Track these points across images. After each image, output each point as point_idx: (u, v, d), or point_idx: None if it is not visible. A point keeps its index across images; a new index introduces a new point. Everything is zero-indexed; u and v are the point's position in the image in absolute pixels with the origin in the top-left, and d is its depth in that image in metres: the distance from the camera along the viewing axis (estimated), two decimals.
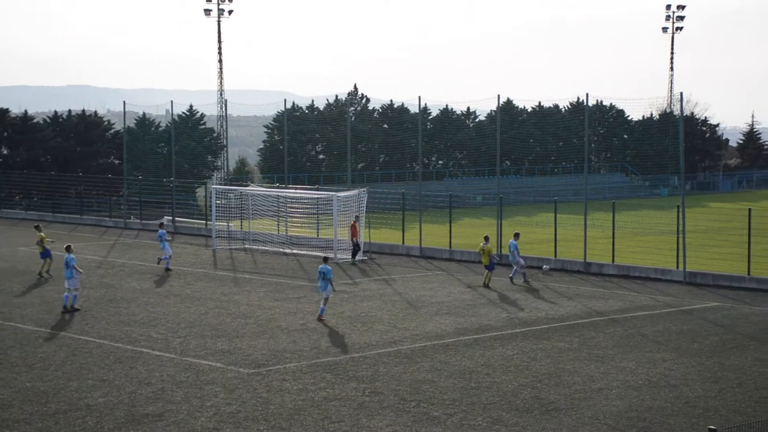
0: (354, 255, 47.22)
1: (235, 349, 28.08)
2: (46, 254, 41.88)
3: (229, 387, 24.11)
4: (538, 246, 48.56)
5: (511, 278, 40.06)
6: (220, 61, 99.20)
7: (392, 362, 26.66)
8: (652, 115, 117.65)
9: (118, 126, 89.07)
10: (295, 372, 25.59)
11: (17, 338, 29.74)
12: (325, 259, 33.49)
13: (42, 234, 42.83)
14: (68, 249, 34.78)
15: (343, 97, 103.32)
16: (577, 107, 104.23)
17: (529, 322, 32.50)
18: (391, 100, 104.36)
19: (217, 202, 55.35)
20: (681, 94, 49.80)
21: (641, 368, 26.04)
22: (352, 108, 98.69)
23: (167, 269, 43.38)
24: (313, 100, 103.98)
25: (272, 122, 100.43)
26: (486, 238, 40.28)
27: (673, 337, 30.03)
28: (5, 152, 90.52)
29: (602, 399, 23.06)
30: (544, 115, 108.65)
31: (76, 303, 34.13)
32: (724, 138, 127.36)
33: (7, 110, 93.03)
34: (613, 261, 43.61)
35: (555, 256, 45.42)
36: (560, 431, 20.71)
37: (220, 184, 65.25)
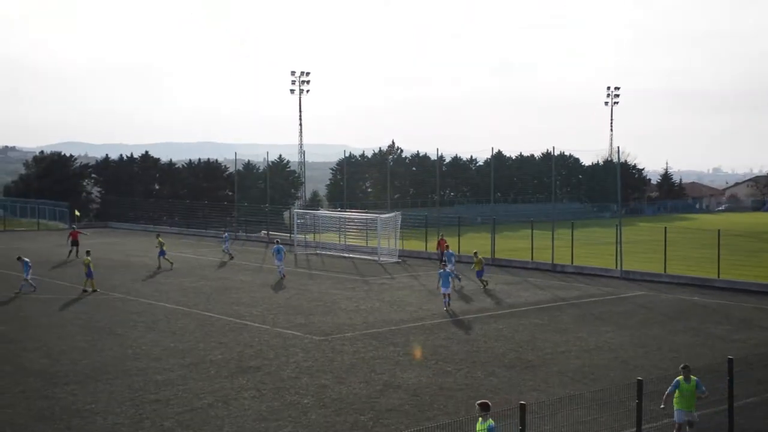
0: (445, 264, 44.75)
1: (309, 323, 28.12)
2: (162, 254, 43.70)
3: (305, 349, 24.14)
4: (520, 252, 48.26)
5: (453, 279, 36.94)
6: (300, 124, 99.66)
7: (418, 333, 26.60)
8: (598, 161, 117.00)
9: (231, 169, 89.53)
10: (351, 339, 25.58)
11: (164, 313, 29.96)
12: (444, 265, 33.01)
13: (161, 239, 44.58)
14: (277, 242, 41.27)
15: (384, 148, 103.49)
16: (547, 156, 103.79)
17: (513, 305, 32.31)
18: (418, 151, 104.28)
19: (298, 221, 55.52)
20: (618, 147, 49.77)
21: (591, 337, 25.82)
22: (391, 156, 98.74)
23: (283, 277, 39.42)
24: (363, 151, 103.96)
25: (336, 166, 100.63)
26: (475, 254, 37.88)
27: (613, 316, 29.75)
28: (156, 187, 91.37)
29: (564, 359, 22.88)
30: (523, 161, 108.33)
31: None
32: (647, 178, 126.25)
33: (158, 159, 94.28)
34: (572, 262, 43.29)
35: (531, 259, 45.13)
36: (535, 381, 20.57)
37: (300, 209, 65.29)
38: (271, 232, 63.50)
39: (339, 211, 62.22)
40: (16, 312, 30.46)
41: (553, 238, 44.05)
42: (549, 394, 19.13)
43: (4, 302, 32.60)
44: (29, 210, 77.63)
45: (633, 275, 40.32)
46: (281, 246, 40.97)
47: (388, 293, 35.16)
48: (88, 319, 28.76)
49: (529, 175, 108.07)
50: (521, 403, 12.59)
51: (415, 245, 52.64)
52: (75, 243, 48.44)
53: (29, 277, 34.77)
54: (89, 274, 34.87)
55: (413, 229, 57.62)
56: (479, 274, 36.90)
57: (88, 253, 35.89)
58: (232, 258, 47.73)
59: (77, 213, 72.26)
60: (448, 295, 30.83)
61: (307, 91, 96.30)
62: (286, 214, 79.63)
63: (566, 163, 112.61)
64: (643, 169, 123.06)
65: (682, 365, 15.75)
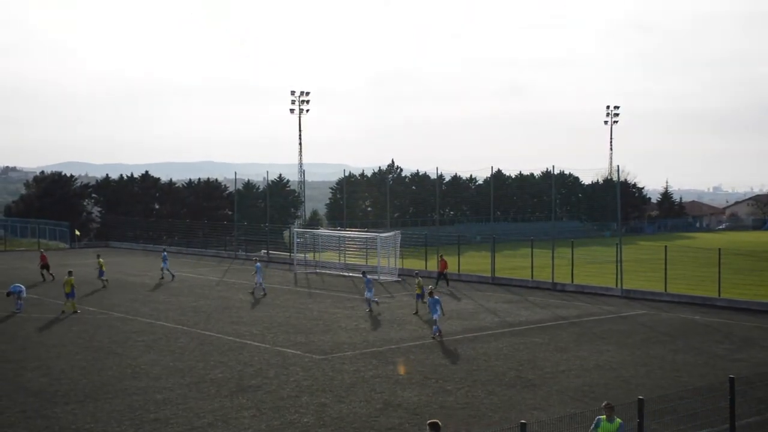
0: (445, 281, 43.69)
1: (309, 342, 28.07)
2: (101, 274, 43.31)
3: (305, 367, 24.08)
4: (520, 271, 48.24)
5: (372, 303, 35.55)
6: (300, 144, 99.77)
7: (418, 351, 26.54)
8: (598, 180, 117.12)
9: (231, 189, 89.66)
10: (351, 358, 25.53)
11: (164, 332, 29.91)
12: (431, 293, 30.24)
13: (101, 260, 44.42)
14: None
15: (383, 167, 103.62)
16: (546, 175, 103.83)
17: (513, 324, 32.26)
18: (417, 170, 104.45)
19: (298, 240, 55.54)
20: (618, 166, 49.79)
21: (592, 356, 25.76)
22: (390, 175, 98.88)
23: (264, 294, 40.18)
24: (363, 170, 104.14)
25: (335, 185, 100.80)
26: (416, 274, 36.40)
27: (614, 335, 29.70)
28: (157, 206, 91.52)
29: (565, 378, 22.82)
30: (523, 180, 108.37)
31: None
32: (647, 197, 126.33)
33: (158, 179, 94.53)
34: (572, 281, 43.26)
35: (531, 277, 45.09)
36: (535, 400, 20.51)
37: (300, 228, 65.36)
38: (271, 251, 63.50)
39: (339, 230, 62.29)
40: (16, 331, 30.41)
41: (553, 256, 44.03)
42: (549, 413, 19.07)
43: (4, 322, 32.54)
44: (30, 230, 77.64)
45: (634, 294, 40.28)
46: (260, 264, 42.00)
47: (388, 312, 35.11)
48: (87, 339, 28.71)
49: (528, 193, 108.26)
50: (522, 422, 12.56)
51: (415, 264, 52.61)
52: (45, 266, 46.86)
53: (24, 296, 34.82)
54: (71, 295, 34.50)
55: (413, 248, 57.64)
56: (418, 297, 34.87)
57: (70, 273, 35.48)
58: (173, 278, 46.82)
59: (77, 233, 72.34)
60: (435, 321, 29.02)
61: (307, 110, 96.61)
62: (285, 233, 79.68)
63: (566, 182, 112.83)
64: (643, 187, 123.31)
65: (605, 403, 14.27)
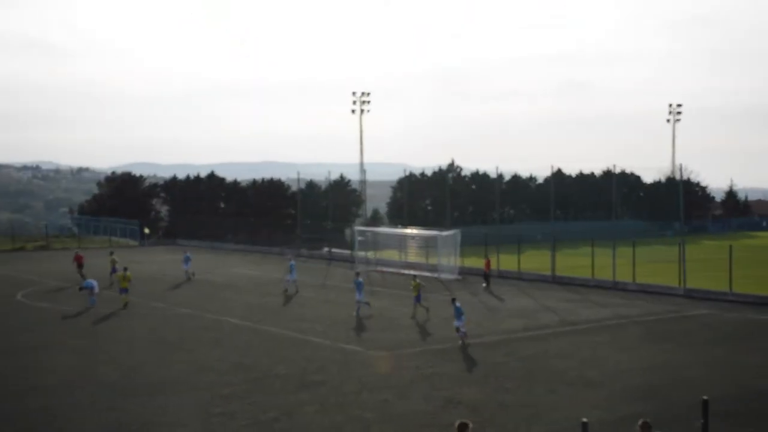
0: (486, 281, 43.27)
1: (370, 338, 28.19)
2: (114, 270, 43.62)
3: (366, 364, 24.20)
4: (580, 270, 47.61)
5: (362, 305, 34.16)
6: (361, 143, 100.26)
7: (478, 349, 26.42)
8: (660, 179, 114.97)
9: (294, 188, 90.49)
10: (411, 355, 25.55)
11: (230, 328, 30.38)
12: (453, 300, 28.64)
13: (114, 257, 45.30)
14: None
15: (443, 166, 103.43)
16: (607, 174, 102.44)
17: (574, 322, 31.87)
18: (477, 169, 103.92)
19: (359, 238, 55.79)
20: (681, 165, 48.95)
21: (654, 356, 25.29)
22: (450, 174, 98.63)
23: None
24: (423, 169, 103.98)
25: (396, 184, 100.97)
26: (414, 277, 35.22)
27: (676, 334, 29.10)
28: (222, 205, 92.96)
29: (627, 377, 22.46)
30: (583, 179, 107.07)
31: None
32: (711, 195, 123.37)
33: (224, 178, 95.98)
34: (633, 280, 42.48)
35: (592, 276, 44.44)
36: (597, 399, 20.23)
37: (361, 226, 65.60)
38: (333, 249, 63.90)
39: (399, 228, 62.37)
40: (89, 326, 31.27)
41: (614, 255, 43.31)
42: (611, 412, 18.80)
43: (78, 316, 33.49)
44: (102, 228, 79.76)
45: (697, 293, 39.35)
46: (293, 262, 42.69)
47: (447, 310, 34.94)
48: (157, 334, 29.36)
49: (589, 192, 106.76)
50: (583, 421, 12.40)
51: (475, 262, 52.32)
52: (80, 266, 46.26)
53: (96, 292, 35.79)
54: (125, 291, 35.70)
55: (473, 247, 57.40)
56: (417, 299, 33.61)
57: (125, 270, 36.58)
58: (189, 278, 46.38)
59: (147, 231, 73.97)
60: (458, 329, 27.36)
61: (368, 110, 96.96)
62: (347, 231, 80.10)
63: (627, 181, 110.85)
64: (706, 186, 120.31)
65: (641, 422, 12.70)
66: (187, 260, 47.62)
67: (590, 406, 19.49)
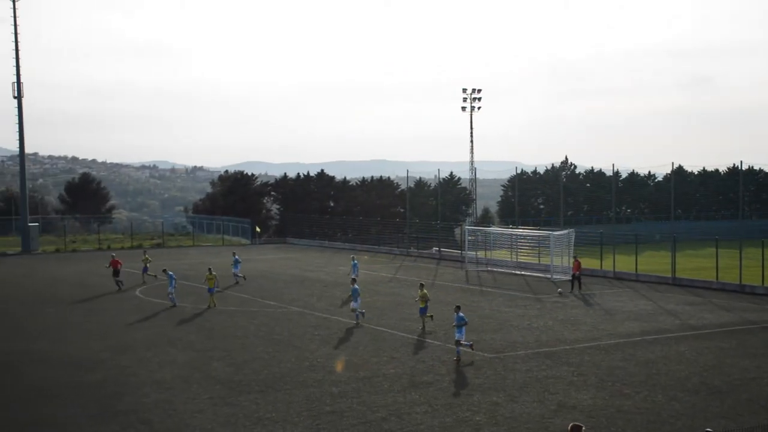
0: (578, 284, 41.30)
1: (481, 340, 28.00)
2: (145, 270, 45.88)
3: (477, 366, 24.06)
4: (703, 271, 45.83)
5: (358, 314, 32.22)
6: (472, 141, 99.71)
7: (594, 353, 25.85)
8: None
9: (403, 187, 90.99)
10: (523, 357, 25.24)
11: (339, 327, 30.75)
12: (458, 308, 25.88)
13: (147, 257, 46.86)
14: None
15: (557, 164, 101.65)
16: (733, 171, 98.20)
17: (696, 327, 30.70)
18: (592, 167, 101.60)
19: (469, 237, 55.53)
20: None
21: None
22: (564, 172, 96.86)
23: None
24: (535, 167, 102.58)
25: (507, 182, 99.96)
26: (421, 286, 31.76)
27: None
28: (331, 204, 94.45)
29: (755, 386, 21.47)
30: (706, 176, 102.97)
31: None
32: None
33: (333, 177, 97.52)
34: (762, 283, 40.49)
35: (716, 279, 42.63)
36: (722, 408, 19.43)
37: (471, 226, 65.27)
38: (442, 249, 63.90)
39: (511, 227, 61.71)
40: (203, 323, 32.38)
41: (741, 256, 41.45)
42: (738, 422, 18.00)
43: (194, 313, 34.74)
44: (215, 226, 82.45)
45: None
46: (356, 261, 43.83)
47: (561, 311, 34.42)
48: (268, 331, 30.11)
49: (713, 190, 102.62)
50: (707, 431, 11.93)
51: (590, 263, 51.21)
52: (116, 272, 43.56)
53: (172, 290, 36.84)
54: (212, 290, 36.42)
55: (587, 247, 56.14)
56: (422, 311, 30.77)
57: (210, 270, 37.15)
58: (244, 279, 45.23)
59: (258, 230, 75.97)
60: (458, 342, 25.13)
61: (479, 108, 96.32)
62: (456, 230, 79.88)
63: (755, 178, 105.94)
64: None
65: (570, 425, 12.32)
66: (236, 263, 45.71)
67: (715, 416, 18.74)
